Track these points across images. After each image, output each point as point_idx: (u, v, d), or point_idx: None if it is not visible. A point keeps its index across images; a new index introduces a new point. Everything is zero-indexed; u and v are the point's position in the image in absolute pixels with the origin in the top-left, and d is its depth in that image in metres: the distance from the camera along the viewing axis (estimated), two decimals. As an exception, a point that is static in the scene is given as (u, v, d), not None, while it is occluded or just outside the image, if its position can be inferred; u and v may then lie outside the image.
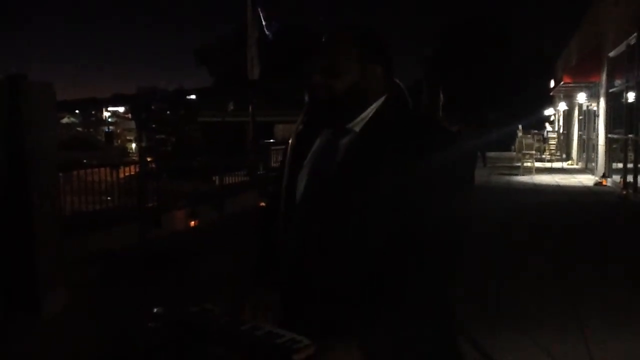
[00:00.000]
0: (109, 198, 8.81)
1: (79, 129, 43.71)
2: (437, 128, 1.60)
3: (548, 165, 20.45)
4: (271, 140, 16.64)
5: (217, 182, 11.39)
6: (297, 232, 1.61)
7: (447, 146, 1.52)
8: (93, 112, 55.58)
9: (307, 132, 1.70)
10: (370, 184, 1.50)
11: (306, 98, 1.64)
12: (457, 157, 1.53)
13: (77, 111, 55.57)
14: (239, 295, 1.69)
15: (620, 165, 14.53)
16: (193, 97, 34.66)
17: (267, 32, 11.18)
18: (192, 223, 8.96)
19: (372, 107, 1.61)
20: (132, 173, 9.23)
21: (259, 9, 10.56)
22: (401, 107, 1.63)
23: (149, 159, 8.16)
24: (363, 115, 1.60)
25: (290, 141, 1.70)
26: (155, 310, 1.55)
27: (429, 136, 1.54)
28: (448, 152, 1.51)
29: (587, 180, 16.05)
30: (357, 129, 1.60)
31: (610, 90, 16.04)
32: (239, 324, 1.47)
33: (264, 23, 10.98)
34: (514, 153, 21.85)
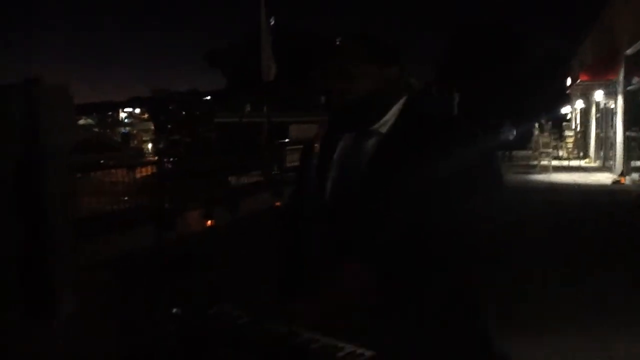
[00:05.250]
0: (125, 198, 8.87)
1: (95, 129, 44.06)
2: (459, 128, 1.60)
3: (565, 163, 20.26)
4: (286, 140, 16.66)
5: (231, 182, 11.42)
6: (325, 232, 1.62)
7: (469, 145, 1.53)
8: (110, 113, 56.04)
9: (329, 136, 1.71)
10: (397, 184, 1.51)
11: (322, 101, 1.65)
12: (479, 156, 1.54)
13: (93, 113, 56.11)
14: (265, 302, 1.70)
15: (638, 163, 14.36)
16: (208, 97, 34.85)
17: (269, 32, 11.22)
18: (208, 223, 9.00)
19: (394, 109, 1.62)
20: (149, 173, 9.29)
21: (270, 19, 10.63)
22: (423, 108, 1.65)
23: (165, 160, 8.22)
24: (386, 117, 1.62)
25: (313, 145, 1.72)
26: (173, 311, 1.56)
27: (450, 137, 1.56)
28: (471, 151, 1.52)
29: (605, 178, 15.88)
30: (383, 130, 1.61)
31: (628, 88, 15.86)
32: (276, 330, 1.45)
33: (271, 23, 11.01)
34: (531, 151, 21.69)
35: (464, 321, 1.55)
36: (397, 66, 1.64)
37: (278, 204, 10.88)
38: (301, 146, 1.88)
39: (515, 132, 20.06)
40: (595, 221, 9.43)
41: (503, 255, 6.45)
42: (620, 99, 16.60)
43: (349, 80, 1.59)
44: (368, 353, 1.30)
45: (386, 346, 1.36)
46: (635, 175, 14.34)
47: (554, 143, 21.95)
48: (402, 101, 1.63)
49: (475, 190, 1.52)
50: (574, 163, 20.84)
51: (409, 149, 1.54)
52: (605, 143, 20.06)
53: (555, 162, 19.10)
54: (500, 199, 1.58)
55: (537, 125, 25.17)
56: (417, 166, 1.50)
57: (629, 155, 15.61)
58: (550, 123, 27.56)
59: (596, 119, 22.86)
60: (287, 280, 1.77)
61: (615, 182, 14.70)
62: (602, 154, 20.78)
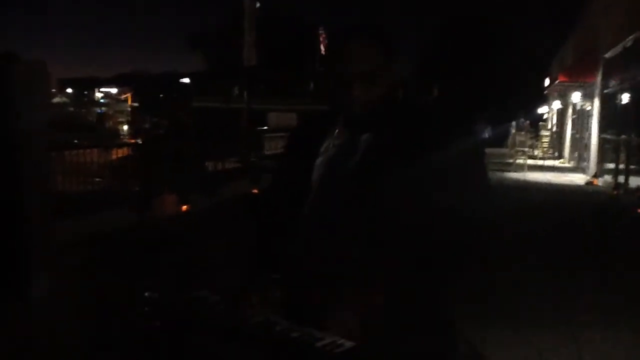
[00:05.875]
0: (100, 179, 8.75)
1: (70, 109, 43.31)
2: (448, 122, 1.59)
3: (540, 162, 20.52)
4: (264, 128, 16.58)
5: (209, 167, 11.34)
6: (313, 224, 1.60)
7: (456, 139, 1.52)
8: (85, 93, 55.09)
9: (319, 124, 1.69)
10: (391, 178, 1.50)
11: (311, 86, 1.62)
12: (466, 151, 1.53)
13: (68, 90, 55.09)
14: (238, 286, 1.67)
15: (611, 165, 14.60)
16: (187, 80, 34.45)
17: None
18: (183, 208, 8.92)
19: (382, 102, 1.59)
20: (124, 155, 9.17)
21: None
22: (410, 103, 1.63)
23: (141, 142, 8.12)
24: (376, 110, 1.58)
25: (296, 134, 1.70)
26: (147, 294, 1.53)
27: (438, 130, 1.55)
28: (458, 146, 1.51)
29: (578, 179, 16.12)
30: (372, 124, 1.59)
31: (605, 91, 16.08)
32: (252, 318, 1.43)
33: (257, 6, 10.88)
34: (507, 150, 21.91)
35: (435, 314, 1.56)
36: (389, 58, 1.59)
37: (255, 190, 10.84)
38: (281, 134, 1.85)
39: (490, 130, 20.17)
40: (567, 221, 9.57)
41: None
42: (597, 102, 16.83)
43: (366, 84, 1.53)
44: (348, 343, 1.29)
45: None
46: (607, 177, 14.58)
47: (530, 142, 22.21)
48: (391, 95, 1.60)
49: (464, 186, 1.51)
50: (549, 163, 21.12)
51: (396, 142, 1.52)
52: (580, 144, 20.35)
53: (530, 161, 19.32)
54: (486, 197, 1.57)
55: (513, 124, 25.44)
56: (406, 159, 1.49)
57: (602, 157, 15.86)
58: (528, 122, 27.86)
59: (572, 120, 23.17)
60: (259, 259, 1.75)
61: (588, 183, 14.94)
62: (576, 154, 21.08)
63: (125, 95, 45.48)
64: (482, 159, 1.67)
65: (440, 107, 1.69)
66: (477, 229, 1.52)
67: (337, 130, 1.64)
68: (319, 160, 1.63)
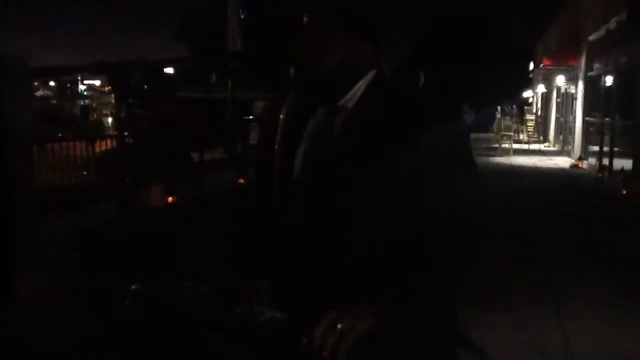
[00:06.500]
0: (84, 173, 8.67)
1: (53, 102, 42.87)
2: (430, 104, 1.55)
3: (526, 147, 20.64)
4: (250, 117, 16.50)
5: (195, 159, 11.28)
6: (295, 211, 1.57)
7: (442, 123, 1.49)
8: (69, 85, 54.55)
9: (299, 111, 1.65)
10: (368, 161, 1.46)
11: (292, 75, 1.60)
12: (452, 135, 1.51)
13: (51, 83, 54.50)
14: (225, 278, 1.66)
15: (596, 148, 14.72)
16: (171, 71, 34.12)
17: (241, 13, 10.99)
18: (169, 200, 8.87)
19: (360, 83, 1.56)
20: (108, 148, 9.09)
21: None
22: (392, 84, 1.59)
23: (125, 134, 8.03)
24: (352, 91, 1.55)
25: (281, 120, 1.66)
26: (132, 287, 1.51)
27: (424, 112, 1.51)
28: (444, 129, 1.48)
29: (563, 162, 16.24)
30: (349, 104, 1.56)
31: (589, 74, 16.17)
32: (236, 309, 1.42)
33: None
34: (492, 134, 22.00)
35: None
36: (371, 43, 1.57)
37: (241, 181, 10.80)
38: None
39: (473, 115, 20.16)
40: (553, 204, 9.64)
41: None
42: (580, 85, 16.93)
43: (317, 53, 1.53)
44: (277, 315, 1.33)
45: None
46: (592, 160, 14.70)
47: (515, 126, 22.31)
48: (369, 75, 1.57)
49: (452, 171, 1.48)
50: (534, 147, 21.25)
51: (375, 125, 1.48)
52: (564, 128, 20.48)
53: (516, 146, 19.43)
54: (474, 183, 1.54)
55: (498, 108, 25.52)
56: (385, 142, 1.45)
57: (587, 140, 15.98)
58: (515, 107, 27.96)
59: (557, 103, 23.30)
60: (248, 252, 1.73)
61: (573, 166, 15.06)
62: (561, 138, 21.23)
63: (108, 87, 45.03)
64: (468, 146, 1.64)
65: (427, 91, 1.65)
66: (468, 220, 1.48)
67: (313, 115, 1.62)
68: (302, 140, 1.61)
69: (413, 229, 1.43)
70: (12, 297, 4.63)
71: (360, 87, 1.56)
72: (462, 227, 1.46)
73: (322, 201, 1.52)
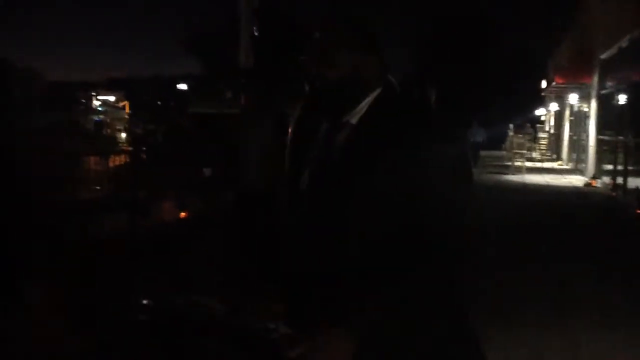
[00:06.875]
0: (98, 187, 8.74)
1: (68, 116, 43.27)
2: (434, 120, 1.56)
3: (538, 165, 20.55)
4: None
5: (207, 173, 11.33)
6: (300, 221, 1.59)
7: (445, 140, 1.50)
8: (83, 101, 55.06)
9: (308, 122, 1.67)
10: (368, 176, 1.47)
11: (306, 88, 1.60)
12: (454, 151, 1.51)
13: (67, 99, 54.92)
14: (239, 293, 1.66)
15: (610, 166, 14.62)
16: (184, 87, 34.38)
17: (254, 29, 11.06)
18: (182, 214, 8.90)
19: (367, 99, 1.57)
20: (122, 162, 9.16)
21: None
22: (398, 99, 1.60)
23: (139, 149, 8.11)
24: (358, 107, 1.56)
25: (289, 137, 1.67)
26: (144, 302, 1.51)
27: (426, 129, 1.52)
28: (446, 145, 1.49)
29: (576, 180, 16.13)
30: (353, 121, 1.56)
31: (602, 92, 16.11)
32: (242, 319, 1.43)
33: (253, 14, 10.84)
34: (505, 152, 21.93)
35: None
36: (377, 56, 1.58)
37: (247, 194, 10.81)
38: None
39: (483, 133, 20.07)
40: (567, 223, 9.56)
41: (474, 253, 6.49)
42: (593, 103, 16.85)
43: (325, 66, 1.53)
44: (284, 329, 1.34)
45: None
46: (606, 179, 14.59)
47: (527, 144, 22.24)
48: (376, 92, 1.57)
49: (451, 185, 1.49)
50: (547, 165, 21.16)
51: (377, 141, 1.49)
52: (577, 146, 20.37)
53: (528, 164, 19.34)
54: (466, 199, 1.55)
55: (511, 126, 25.46)
56: (386, 158, 1.46)
57: (600, 158, 15.87)
58: (528, 125, 27.89)
59: (570, 121, 23.20)
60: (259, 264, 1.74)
61: (587, 185, 14.94)
62: (574, 156, 21.11)
63: (122, 103, 45.44)
64: (468, 160, 1.65)
65: (438, 109, 1.66)
66: (459, 227, 1.51)
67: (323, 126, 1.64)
68: (310, 152, 1.62)
69: (404, 234, 1.45)
70: (23, 304, 4.66)
71: (366, 103, 1.57)
72: (449, 234, 1.49)
73: (326, 220, 1.53)
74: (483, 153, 21.30)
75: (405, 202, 1.45)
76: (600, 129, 16.04)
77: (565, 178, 17.08)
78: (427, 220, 1.46)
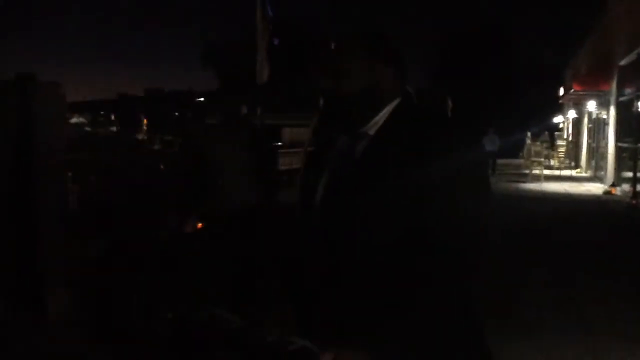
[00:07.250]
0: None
1: (87, 129, 43.78)
2: (452, 129, 1.57)
3: (557, 172, 20.34)
4: (279, 144, 16.60)
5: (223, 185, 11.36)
6: (315, 235, 1.59)
7: (463, 148, 1.50)
8: (102, 112, 55.71)
9: (325, 135, 1.68)
10: (386, 187, 1.48)
11: (320, 102, 1.62)
12: (472, 159, 1.51)
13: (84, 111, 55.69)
14: (256, 306, 1.68)
15: (629, 174, 14.44)
16: (202, 99, 34.68)
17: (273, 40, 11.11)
18: (198, 226, 8.92)
19: (385, 110, 1.58)
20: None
21: (268, 12, 10.51)
22: (416, 109, 1.61)
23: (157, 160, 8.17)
24: (376, 118, 1.57)
25: (304, 150, 1.69)
26: (169, 315, 1.53)
27: (445, 138, 1.52)
28: (464, 154, 1.49)
29: (595, 188, 15.96)
30: (371, 132, 1.57)
31: (621, 99, 15.95)
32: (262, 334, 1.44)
33: (270, 15, 10.89)
34: (522, 160, 21.74)
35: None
36: (394, 68, 1.59)
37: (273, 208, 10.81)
38: (295, 149, 1.85)
39: (499, 142, 19.88)
40: (586, 231, 9.46)
41: (493, 263, 6.45)
42: (612, 110, 16.70)
43: (339, 77, 1.54)
44: (316, 349, 1.33)
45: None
46: (625, 186, 14.42)
47: (545, 152, 22.04)
48: (395, 103, 1.59)
49: (469, 195, 1.49)
50: (566, 172, 20.94)
51: (395, 152, 1.49)
52: (596, 153, 20.16)
53: (546, 172, 19.18)
54: (486, 209, 1.55)
55: (528, 134, 25.27)
56: (404, 169, 1.47)
57: (620, 166, 15.70)
58: (546, 132, 27.67)
59: (588, 129, 22.98)
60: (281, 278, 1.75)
61: (607, 193, 14.77)
62: (593, 164, 20.88)
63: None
64: (485, 170, 1.65)
65: (456, 119, 1.66)
66: (476, 240, 1.50)
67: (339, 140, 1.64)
68: (321, 181, 1.62)
69: (421, 243, 1.45)
70: (45, 315, 4.71)
71: (384, 114, 1.58)
72: (464, 244, 1.48)
73: (339, 232, 1.53)
74: (500, 161, 21.14)
75: (424, 211, 1.45)
76: (619, 136, 15.88)
77: (584, 186, 16.90)
78: (445, 229, 1.45)
